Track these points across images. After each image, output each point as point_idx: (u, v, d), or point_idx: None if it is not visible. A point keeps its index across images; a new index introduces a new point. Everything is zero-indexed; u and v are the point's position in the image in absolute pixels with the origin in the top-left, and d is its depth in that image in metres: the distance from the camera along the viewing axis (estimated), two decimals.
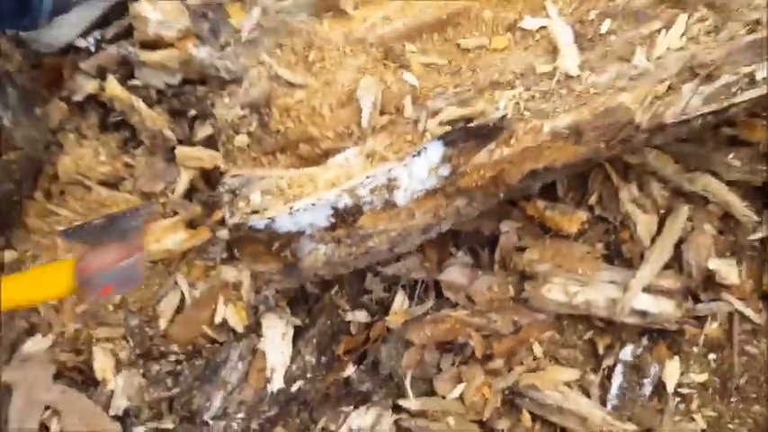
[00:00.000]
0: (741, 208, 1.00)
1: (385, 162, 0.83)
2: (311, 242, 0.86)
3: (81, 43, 1.34)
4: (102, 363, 1.17)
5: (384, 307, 1.12)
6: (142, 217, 0.88)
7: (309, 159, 0.90)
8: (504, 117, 0.80)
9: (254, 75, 0.92)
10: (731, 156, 1.00)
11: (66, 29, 1.32)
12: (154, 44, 1.28)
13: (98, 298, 0.78)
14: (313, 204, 0.82)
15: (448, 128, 0.84)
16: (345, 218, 0.84)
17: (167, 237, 1.18)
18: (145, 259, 0.81)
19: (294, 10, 0.92)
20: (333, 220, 0.84)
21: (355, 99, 0.89)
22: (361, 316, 1.12)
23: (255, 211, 0.85)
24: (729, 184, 1.01)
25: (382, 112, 0.88)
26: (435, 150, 0.81)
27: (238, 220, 0.84)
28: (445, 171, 0.82)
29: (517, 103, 0.83)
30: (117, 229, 0.87)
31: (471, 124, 0.80)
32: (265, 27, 0.92)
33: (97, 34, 1.36)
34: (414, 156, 0.82)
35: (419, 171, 0.82)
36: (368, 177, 0.82)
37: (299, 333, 1.14)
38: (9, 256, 1.25)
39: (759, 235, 1.00)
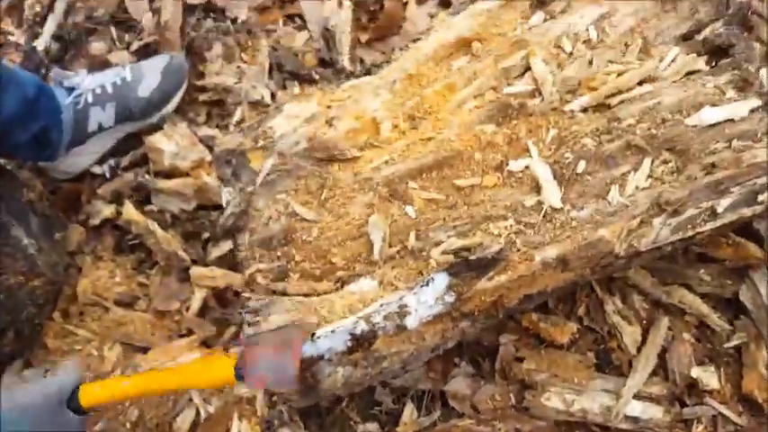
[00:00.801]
0: (714, 319, 1.11)
1: (395, 289, 0.93)
2: (330, 365, 0.94)
3: (97, 170, 1.45)
4: None
5: (394, 417, 1.18)
6: (302, 327, 0.91)
7: (325, 288, 0.99)
8: (500, 250, 0.91)
9: (273, 211, 1.03)
10: (702, 271, 1.12)
11: (82, 157, 1.42)
12: (169, 173, 1.39)
13: (254, 386, 0.82)
14: (332, 332, 0.91)
15: (450, 257, 0.94)
16: (362, 342, 0.92)
17: (183, 355, 1.24)
18: (297, 363, 0.85)
19: (306, 154, 1.04)
20: (350, 344, 0.92)
21: (365, 232, 1.00)
22: (372, 428, 1.17)
23: None
24: (702, 296, 1.12)
25: (390, 244, 0.99)
26: (441, 280, 0.92)
27: None
28: (450, 298, 0.92)
29: (510, 235, 0.94)
30: (281, 334, 0.91)
31: (472, 257, 0.91)
32: (282, 170, 1.04)
33: (112, 162, 1.46)
34: (422, 285, 0.92)
35: (427, 298, 0.92)
36: (381, 305, 0.92)
37: None
38: None
39: (733, 343, 1.10)
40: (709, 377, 1.06)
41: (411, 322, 0.93)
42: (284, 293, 1.00)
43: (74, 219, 1.44)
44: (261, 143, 1.05)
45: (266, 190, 1.04)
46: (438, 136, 1.04)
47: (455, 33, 1.09)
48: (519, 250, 0.93)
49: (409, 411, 1.16)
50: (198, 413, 1.25)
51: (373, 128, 1.07)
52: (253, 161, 1.05)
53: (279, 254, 1.01)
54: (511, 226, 0.96)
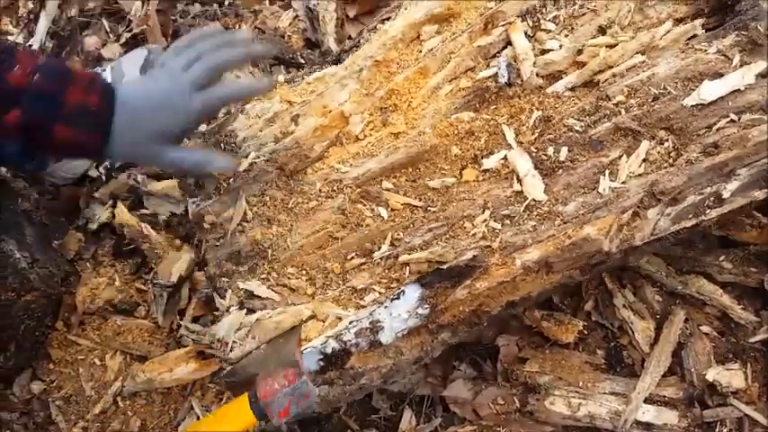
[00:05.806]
0: (738, 311, 0.98)
1: (365, 306, 0.86)
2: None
3: (93, 173, 1.42)
4: None
5: (393, 424, 1.12)
6: (295, 335, 0.87)
7: (299, 302, 0.93)
8: (474, 257, 0.82)
9: (240, 222, 0.96)
10: (722, 258, 0.99)
11: (78, 161, 1.39)
12: (158, 174, 1.35)
13: (279, 421, 0.79)
14: (301, 352, 0.85)
15: (423, 260, 0.86)
16: (334, 361, 0.86)
17: (179, 366, 1.21)
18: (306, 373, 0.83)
19: (272, 157, 0.96)
20: (322, 363, 0.86)
21: (337, 239, 0.92)
22: None
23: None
24: (724, 285, 1.00)
25: (361, 253, 0.91)
26: (413, 292, 0.84)
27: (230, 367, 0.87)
28: (424, 311, 0.84)
29: (488, 236, 0.85)
30: (275, 353, 0.86)
31: (445, 266, 0.82)
32: (247, 177, 0.97)
33: (107, 163, 1.43)
34: (393, 299, 0.84)
35: (400, 312, 0.84)
36: (351, 323, 0.85)
37: None
38: (37, 387, 1.29)
39: (760, 337, 0.98)
40: (730, 378, 0.95)
41: (385, 337, 0.86)
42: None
43: (75, 224, 1.41)
44: (223, 148, 0.98)
45: (231, 198, 0.97)
46: (412, 129, 0.94)
47: (424, 10, 0.97)
48: (497, 253, 0.83)
49: (408, 418, 1.10)
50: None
51: (342, 123, 0.97)
52: None
53: (247, 268, 0.95)
54: (489, 225, 0.86)
